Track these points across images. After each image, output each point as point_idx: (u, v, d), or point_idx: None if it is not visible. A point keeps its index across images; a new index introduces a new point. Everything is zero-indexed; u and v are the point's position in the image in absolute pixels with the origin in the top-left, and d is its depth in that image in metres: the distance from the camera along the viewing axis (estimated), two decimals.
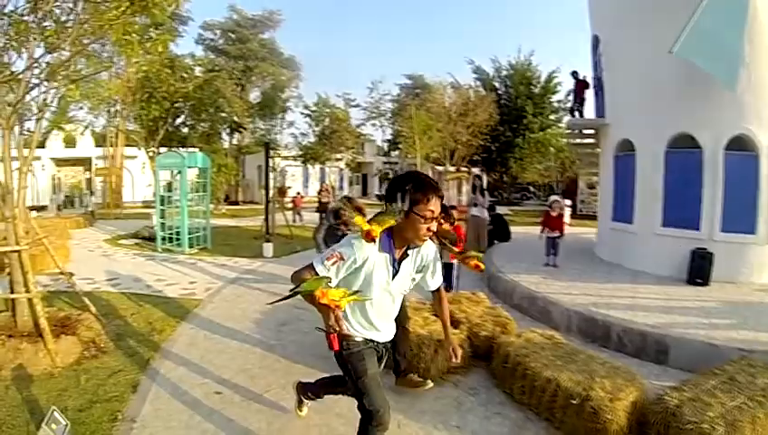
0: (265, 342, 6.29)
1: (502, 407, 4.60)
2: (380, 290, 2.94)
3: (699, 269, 8.93)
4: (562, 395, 4.24)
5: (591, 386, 4.14)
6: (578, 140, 15.21)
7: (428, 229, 2.74)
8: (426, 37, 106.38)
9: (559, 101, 37.68)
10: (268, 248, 12.76)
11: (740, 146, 9.29)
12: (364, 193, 47.15)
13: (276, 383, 5.01)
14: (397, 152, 38.61)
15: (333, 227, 6.98)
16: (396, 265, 2.91)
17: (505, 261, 10.45)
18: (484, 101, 31.70)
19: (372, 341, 3.07)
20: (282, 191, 25.43)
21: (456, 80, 35.67)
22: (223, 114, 28.23)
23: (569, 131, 14.96)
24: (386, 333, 3.15)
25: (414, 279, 3.09)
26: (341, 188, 42.37)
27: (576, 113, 14.41)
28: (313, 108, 32.09)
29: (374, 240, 2.73)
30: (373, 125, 44.28)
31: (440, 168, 28.19)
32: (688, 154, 9.56)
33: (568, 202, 23.49)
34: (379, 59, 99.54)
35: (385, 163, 46.61)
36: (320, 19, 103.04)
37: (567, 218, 22.49)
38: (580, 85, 14.71)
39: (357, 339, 3.01)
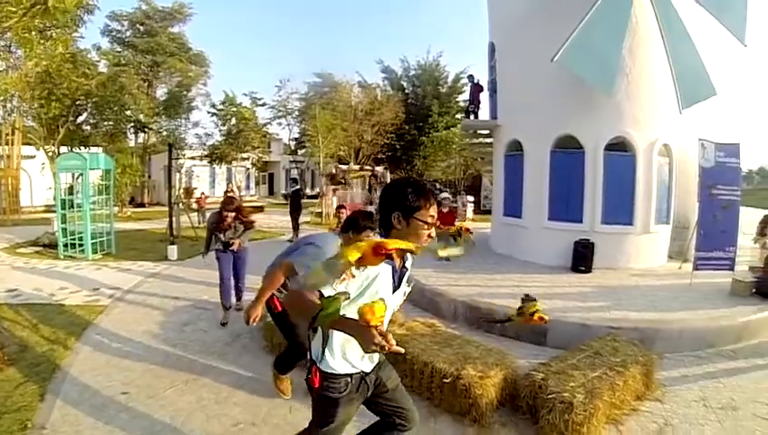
0: (169, 341, 6.42)
1: None
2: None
3: (582, 258, 9.80)
4: (438, 376, 4.64)
5: (464, 366, 4.57)
6: (476, 140, 15.90)
7: (429, 235, 2.63)
8: (339, 36, 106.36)
9: (465, 101, 37.81)
10: (173, 251, 12.64)
11: (618, 147, 10.17)
12: (270, 192, 46.60)
13: (179, 380, 5.21)
14: (303, 151, 38.20)
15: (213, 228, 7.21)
16: (398, 278, 2.68)
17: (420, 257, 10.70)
18: (390, 100, 32.20)
19: (362, 374, 2.76)
20: (188, 192, 24.87)
21: (363, 79, 35.88)
22: (128, 112, 27.15)
23: (465, 132, 15.72)
24: (376, 358, 2.86)
25: (405, 293, 2.87)
26: (248, 187, 41.70)
27: (472, 115, 14.99)
28: (220, 106, 31.41)
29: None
30: (279, 124, 43.69)
31: (344, 166, 28.31)
32: (572, 154, 10.36)
33: (471, 198, 24.20)
34: (290, 57, 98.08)
35: (291, 162, 46.08)
36: (231, 14, 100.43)
37: (470, 214, 23.24)
38: (476, 89, 15.30)
39: (339, 383, 2.67)
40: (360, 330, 2.13)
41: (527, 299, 3.96)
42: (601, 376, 4.49)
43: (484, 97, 14.82)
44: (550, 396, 4.17)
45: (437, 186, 44.27)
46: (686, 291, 8.41)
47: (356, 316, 2.17)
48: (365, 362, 2.74)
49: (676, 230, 11.38)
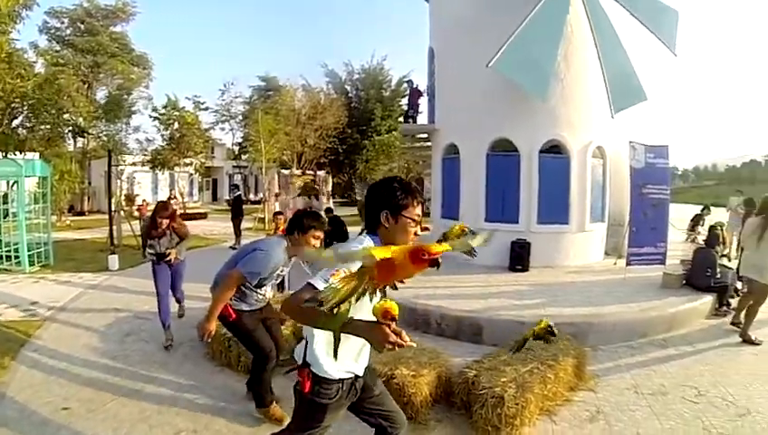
0: (110, 354, 6.27)
1: None
2: (370, 306, 2.31)
3: (518, 257, 10.02)
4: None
5: (397, 366, 4.62)
6: (416, 144, 16.15)
7: (416, 233, 2.65)
8: (285, 39, 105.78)
9: (408, 105, 38.11)
10: (113, 261, 12.29)
11: (553, 150, 10.47)
12: (214, 198, 45.98)
13: (120, 392, 5.11)
14: (247, 156, 37.51)
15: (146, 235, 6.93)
16: None
17: None
18: (333, 103, 32.18)
19: (354, 378, 2.72)
20: (129, 199, 24.26)
21: (307, 82, 35.75)
22: (66, 115, 25.87)
23: (405, 136, 15.94)
24: (366, 361, 2.80)
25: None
26: (191, 194, 40.77)
27: (411, 120, 15.14)
28: (162, 110, 30.42)
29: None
30: (222, 129, 43.00)
31: (286, 171, 28.10)
32: (507, 157, 10.60)
33: None
34: (234, 60, 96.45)
35: (235, 167, 45.62)
36: (175, 12, 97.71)
37: None
38: (415, 93, 15.46)
39: (331, 388, 2.61)
40: (373, 330, 2.08)
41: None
42: (533, 370, 4.63)
43: (424, 102, 14.95)
44: (482, 392, 4.27)
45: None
46: (620, 285, 8.70)
47: (361, 316, 2.15)
48: (359, 366, 2.71)
49: (611, 228, 11.75)
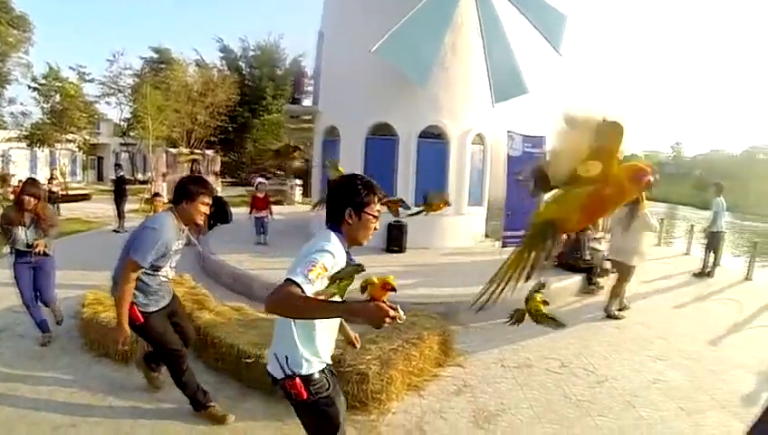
0: None
1: (202, 375, 4.73)
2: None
3: (395, 239, 10.23)
4: (243, 356, 4.69)
5: (265, 346, 4.52)
6: (301, 125, 15.82)
7: (375, 228, 2.73)
8: (182, 8, 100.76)
9: (309, 82, 37.27)
10: None
11: (433, 135, 10.67)
12: (99, 178, 42.05)
13: None
14: (134, 133, 34.94)
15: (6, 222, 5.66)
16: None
17: (221, 242, 10.67)
18: (226, 80, 31.18)
19: (328, 366, 2.75)
20: (3, 180, 22.48)
21: (201, 57, 34.79)
22: None
23: (291, 118, 15.62)
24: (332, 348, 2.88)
25: None
26: (74, 173, 37.63)
27: (296, 101, 15.02)
28: (42, 81, 27.80)
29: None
30: (109, 103, 39.17)
31: (174, 150, 26.82)
32: (386, 141, 10.73)
33: (299, 182, 24.13)
34: (125, 28, 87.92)
35: (122, 145, 41.53)
36: None
37: (298, 197, 23.16)
38: (301, 75, 15.37)
39: (319, 376, 2.63)
40: (371, 308, 2.16)
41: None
42: (397, 348, 4.77)
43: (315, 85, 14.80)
44: (347, 369, 4.34)
45: (271, 169, 42.95)
46: (495, 267, 8.82)
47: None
48: (329, 355, 2.74)
49: (491, 211, 12.10)
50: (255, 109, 35.54)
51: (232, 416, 4.18)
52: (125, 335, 3.78)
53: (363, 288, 2.54)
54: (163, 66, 34.00)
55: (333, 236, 2.57)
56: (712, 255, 11.10)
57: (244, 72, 37.59)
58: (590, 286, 8.90)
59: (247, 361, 4.61)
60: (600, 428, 4.39)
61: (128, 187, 16.10)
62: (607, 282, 8.74)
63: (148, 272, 3.86)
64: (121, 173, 16.29)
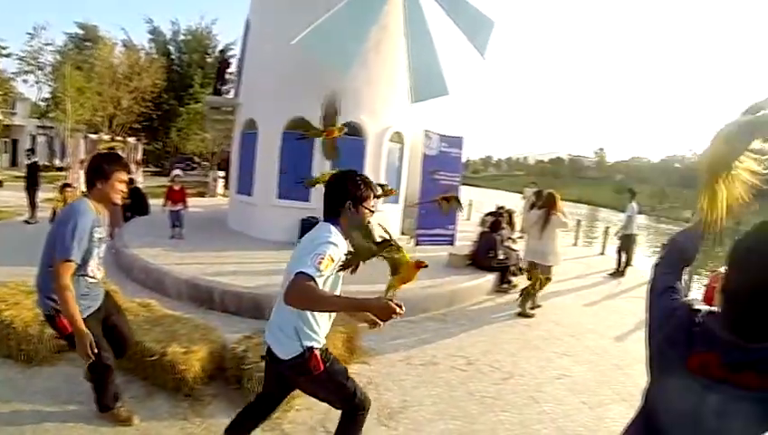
0: None
1: None
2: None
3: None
4: (147, 354, 4.61)
5: (170, 344, 4.61)
6: (224, 117, 15.48)
7: (369, 222, 2.97)
8: None
9: (231, 73, 35.64)
10: None
11: (351, 131, 10.51)
12: (14, 163, 38.25)
13: None
14: (54, 115, 32.24)
15: None
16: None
17: (136, 235, 10.27)
18: (153, 64, 30.10)
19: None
20: None
21: (129, 37, 33.39)
22: None
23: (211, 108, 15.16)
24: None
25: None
26: None
27: (218, 92, 14.68)
28: None
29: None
30: (25, 81, 35.28)
31: (95, 136, 25.60)
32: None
33: (222, 174, 23.78)
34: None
35: (39, 127, 38.50)
36: None
37: (220, 189, 22.89)
38: (224, 64, 15.01)
39: (327, 351, 3.05)
40: (382, 304, 2.40)
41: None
42: None
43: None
44: (249, 366, 4.40)
45: (195, 159, 41.50)
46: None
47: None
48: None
49: (408, 209, 12.20)
50: (183, 96, 34.03)
51: (137, 417, 4.05)
52: (88, 339, 3.38)
53: (394, 268, 3.00)
54: (88, 44, 32.42)
55: (333, 228, 2.83)
56: (625, 255, 11.83)
57: (173, 56, 36.20)
58: (503, 285, 9.23)
59: (151, 359, 4.54)
60: (502, 422, 4.54)
61: (43, 174, 15.34)
62: (521, 281, 8.96)
63: (78, 271, 3.49)
64: (35, 159, 15.36)
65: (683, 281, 1.88)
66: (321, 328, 2.93)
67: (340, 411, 3.13)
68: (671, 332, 1.70)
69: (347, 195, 2.89)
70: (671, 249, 2.01)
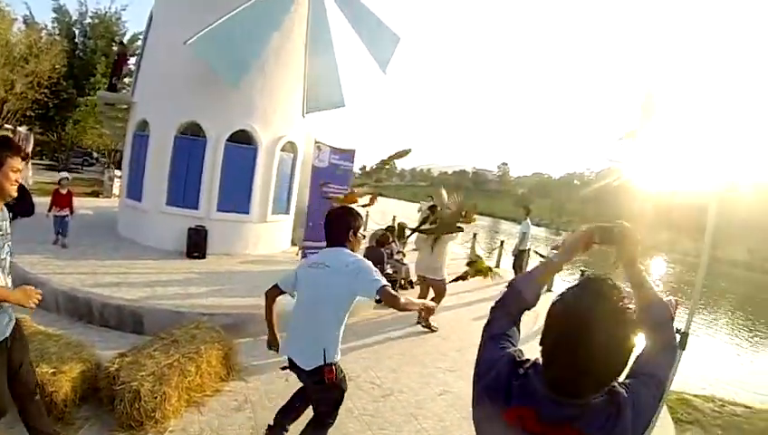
0: None
1: None
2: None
3: (196, 244, 10.16)
4: None
5: (38, 364, 4.26)
6: (121, 115, 14.91)
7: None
8: None
9: (133, 64, 33.59)
10: None
11: (243, 139, 10.73)
12: None
13: None
14: None
15: None
16: None
17: (15, 241, 9.64)
18: (54, 47, 27.81)
19: None
20: None
21: (31, 14, 30.71)
22: None
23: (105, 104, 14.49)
24: None
25: None
26: None
27: (112, 87, 14.20)
28: None
29: None
30: None
31: None
32: (194, 141, 10.62)
33: (119, 173, 22.83)
34: None
35: None
36: None
37: (116, 190, 21.86)
38: (121, 58, 14.51)
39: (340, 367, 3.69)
40: (423, 304, 3.62)
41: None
42: (173, 363, 4.71)
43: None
44: (120, 386, 4.26)
45: (94, 155, 39.07)
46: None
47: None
48: None
49: (299, 220, 12.26)
50: (84, 85, 31.52)
51: None
52: None
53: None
54: None
55: (347, 251, 3.58)
56: (520, 270, 12.29)
57: (76, 40, 33.35)
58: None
59: None
60: None
61: None
62: (412, 295, 8.84)
63: None
64: None
65: (519, 326, 1.96)
66: (339, 348, 3.62)
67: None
68: (491, 383, 1.71)
69: (350, 226, 3.61)
70: (509, 293, 2.01)
